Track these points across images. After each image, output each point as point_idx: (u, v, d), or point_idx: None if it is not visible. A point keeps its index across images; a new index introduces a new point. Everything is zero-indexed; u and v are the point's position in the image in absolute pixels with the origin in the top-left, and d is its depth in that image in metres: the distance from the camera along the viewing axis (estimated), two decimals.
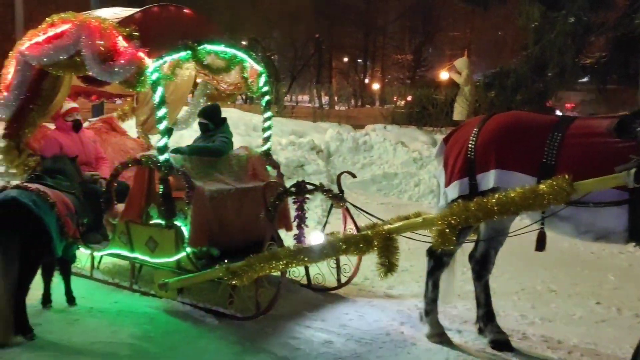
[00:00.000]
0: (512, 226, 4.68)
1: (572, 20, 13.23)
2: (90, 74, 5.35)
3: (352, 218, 5.65)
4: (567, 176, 3.78)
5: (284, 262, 4.73)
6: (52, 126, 6.48)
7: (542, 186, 3.85)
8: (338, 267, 5.93)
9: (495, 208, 3.93)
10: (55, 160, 5.44)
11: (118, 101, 7.88)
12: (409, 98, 17.30)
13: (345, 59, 46.48)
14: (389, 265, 4.37)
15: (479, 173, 4.33)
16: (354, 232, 5.42)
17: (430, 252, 4.70)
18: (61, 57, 5.45)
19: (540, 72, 14.08)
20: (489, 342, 4.71)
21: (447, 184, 4.55)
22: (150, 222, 5.45)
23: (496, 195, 4.00)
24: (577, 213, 3.99)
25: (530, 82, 14.12)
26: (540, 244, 4.11)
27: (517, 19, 15.70)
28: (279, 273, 4.93)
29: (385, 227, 4.53)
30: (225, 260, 4.94)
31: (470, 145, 4.39)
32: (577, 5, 13.19)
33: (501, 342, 4.68)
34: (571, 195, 3.80)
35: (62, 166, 5.32)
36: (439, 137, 12.81)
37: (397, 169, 11.97)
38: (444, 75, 17.77)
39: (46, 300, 5.21)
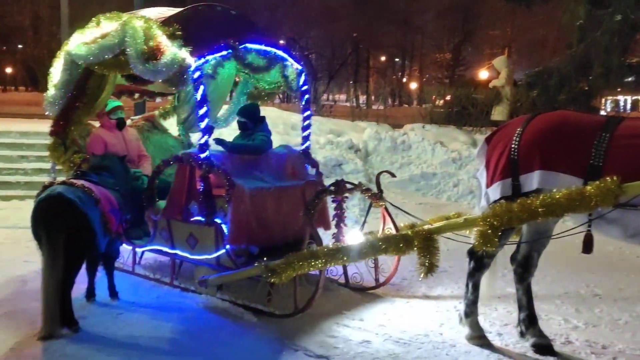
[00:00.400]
0: (556, 228, 4.58)
1: (618, 18, 12.83)
2: (134, 72, 5.46)
3: (391, 218, 5.62)
4: (615, 178, 3.69)
5: (323, 260, 4.75)
6: (96, 124, 6.62)
7: (589, 188, 3.77)
8: (376, 267, 5.91)
9: (540, 210, 3.86)
10: (103, 158, 5.57)
11: (158, 99, 7.98)
12: (448, 97, 17.08)
13: (383, 58, 46.24)
14: (429, 266, 4.34)
15: (523, 174, 4.23)
16: (393, 231, 5.40)
17: (471, 253, 4.63)
18: (106, 56, 5.57)
19: (584, 72, 13.70)
20: (530, 345, 4.62)
21: (489, 184, 4.47)
22: (191, 219, 5.53)
23: (540, 197, 3.92)
24: (625, 216, 3.89)
25: (575, 81, 13.76)
26: (587, 247, 4.02)
27: (560, 16, 15.32)
28: (317, 271, 4.94)
29: (426, 227, 4.49)
30: (264, 258, 4.98)
31: (513, 145, 4.30)
32: (624, 3, 12.79)
33: (543, 346, 4.58)
34: (619, 198, 3.71)
35: (108, 164, 5.44)
36: (479, 137, 12.67)
37: (436, 169, 11.86)
38: (483, 74, 17.49)
39: (90, 294, 5.34)
